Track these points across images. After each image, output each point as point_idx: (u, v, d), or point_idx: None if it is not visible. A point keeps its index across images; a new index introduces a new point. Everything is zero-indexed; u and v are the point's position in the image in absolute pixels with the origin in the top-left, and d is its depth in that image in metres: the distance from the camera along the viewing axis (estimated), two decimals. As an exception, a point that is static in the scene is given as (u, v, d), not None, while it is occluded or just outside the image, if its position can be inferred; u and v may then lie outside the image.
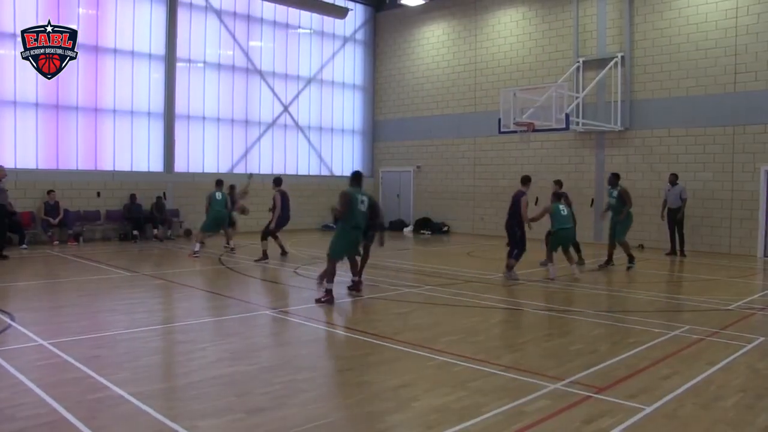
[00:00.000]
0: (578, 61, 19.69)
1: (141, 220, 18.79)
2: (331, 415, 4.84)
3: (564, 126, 17.01)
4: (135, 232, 18.54)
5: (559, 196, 12.85)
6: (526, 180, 12.53)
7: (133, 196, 18.76)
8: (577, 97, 18.77)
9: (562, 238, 12.38)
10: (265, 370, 6.00)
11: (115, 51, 19.03)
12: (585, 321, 8.40)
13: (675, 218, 16.28)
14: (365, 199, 9.79)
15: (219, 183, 15.89)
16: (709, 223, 17.28)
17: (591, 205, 19.51)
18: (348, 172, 26.01)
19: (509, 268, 12.00)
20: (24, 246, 16.01)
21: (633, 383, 5.70)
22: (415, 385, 5.59)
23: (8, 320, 7.85)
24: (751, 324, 8.42)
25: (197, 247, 15.10)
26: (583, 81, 19.58)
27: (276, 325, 8.01)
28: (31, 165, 17.64)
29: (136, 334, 7.45)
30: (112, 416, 4.76)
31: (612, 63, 18.90)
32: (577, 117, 18.87)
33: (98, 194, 18.63)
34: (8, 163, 17.10)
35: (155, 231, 18.87)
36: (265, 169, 22.88)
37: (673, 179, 16.34)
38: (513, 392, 5.41)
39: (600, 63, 19.29)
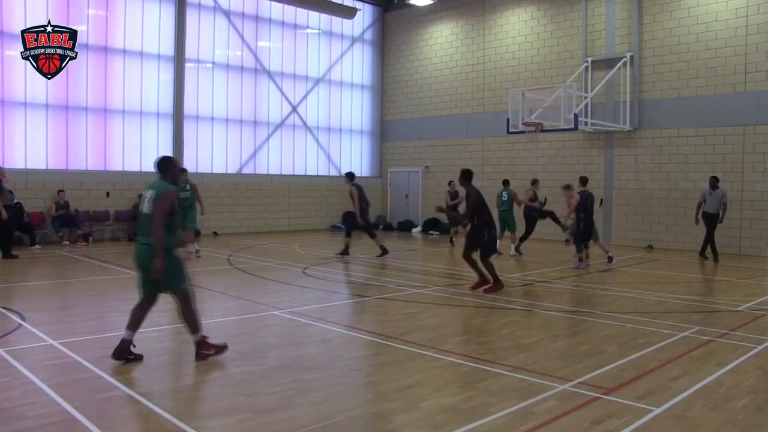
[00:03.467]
0: (587, 61, 19.64)
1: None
2: (339, 416, 4.84)
3: (573, 126, 16.98)
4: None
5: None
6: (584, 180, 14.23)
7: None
8: (585, 97, 18.72)
9: None
10: (273, 370, 6.01)
11: (124, 52, 19.11)
12: (594, 322, 8.38)
13: (714, 223, 15.25)
14: (150, 194, 6.38)
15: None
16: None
17: (600, 205, 19.43)
18: (357, 172, 26.13)
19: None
20: (37, 246, 16.14)
21: (642, 384, 5.68)
22: (422, 386, 5.59)
23: (19, 320, 7.91)
24: (762, 325, 8.37)
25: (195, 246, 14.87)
26: (591, 81, 19.53)
27: (284, 326, 8.02)
28: (41, 165, 17.74)
29: (144, 334, 7.45)
30: (121, 416, 4.78)
31: (621, 63, 18.84)
32: (586, 117, 18.81)
33: (107, 194, 18.71)
34: (18, 164, 17.26)
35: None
36: (274, 170, 22.92)
37: (714, 182, 15.23)
38: (521, 393, 5.41)
39: (609, 63, 19.23)
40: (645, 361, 6.44)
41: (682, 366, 6.30)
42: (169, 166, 6.64)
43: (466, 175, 10.73)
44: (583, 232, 13.74)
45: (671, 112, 18.17)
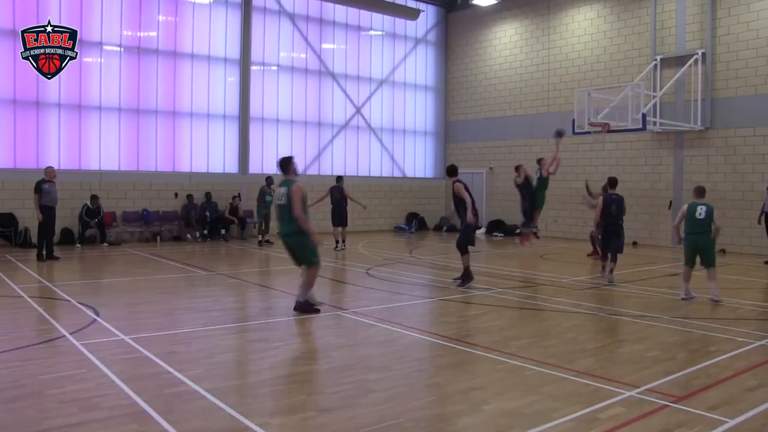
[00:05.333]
0: (656, 59, 19.09)
1: (216, 220, 19.26)
2: (401, 417, 4.84)
3: (640, 126, 16.53)
4: (222, 232, 19.20)
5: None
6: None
7: (208, 195, 19.28)
8: (654, 97, 18.21)
9: None
10: (336, 370, 6.06)
11: (192, 56, 19.63)
12: (661, 327, 8.13)
13: None
14: (284, 189, 8.54)
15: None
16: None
17: (669, 208, 18.88)
18: (420, 174, 26.09)
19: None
20: (105, 244, 16.87)
21: (714, 394, 5.48)
22: (485, 389, 5.54)
23: (93, 315, 8.21)
24: (844, 334, 7.96)
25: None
26: (660, 79, 18.97)
27: (347, 326, 8.08)
28: (113, 167, 18.37)
29: (210, 331, 7.65)
30: (188, 410, 4.90)
31: (692, 60, 18.24)
32: (655, 117, 18.28)
33: (176, 195, 19.25)
34: (93, 165, 17.96)
35: (223, 231, 19.25)
36: (338, 171, 23.09)
37: None
38: (586, 398, 5.29)
39: (679, 60, 18.64)
40: (717, 370, 6.21)
41: (759, 377, 6.03)
42: (289, 166, 8.80)
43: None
44: (601, 241, 12.18)
45: (747, 111, 17.46)
